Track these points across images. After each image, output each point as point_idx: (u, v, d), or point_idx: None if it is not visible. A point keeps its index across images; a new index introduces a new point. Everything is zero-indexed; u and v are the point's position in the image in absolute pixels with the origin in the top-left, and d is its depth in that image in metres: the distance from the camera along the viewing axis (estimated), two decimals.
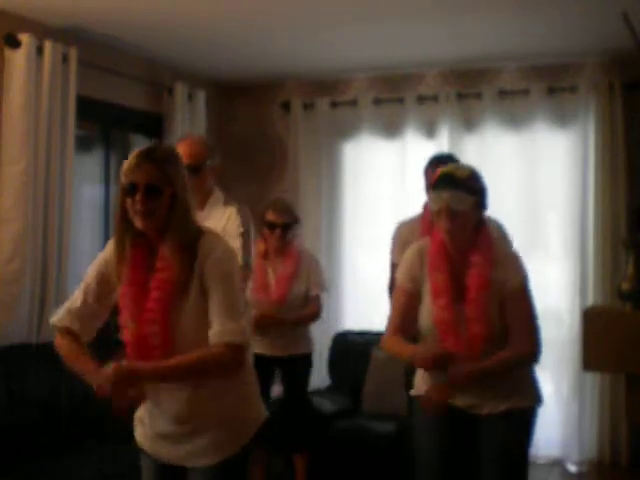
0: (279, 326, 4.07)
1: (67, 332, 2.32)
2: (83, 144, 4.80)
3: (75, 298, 2.33)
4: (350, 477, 4.52)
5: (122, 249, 2.25)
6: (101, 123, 4.97)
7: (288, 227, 4.13)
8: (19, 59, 3.99)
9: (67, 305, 2.34)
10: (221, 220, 3.36)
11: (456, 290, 2.69)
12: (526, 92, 5.09)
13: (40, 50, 4.07)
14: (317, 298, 4.21)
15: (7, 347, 3.86)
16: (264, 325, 3.99)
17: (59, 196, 4.17)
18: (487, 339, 2.66)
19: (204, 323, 2.19)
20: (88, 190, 5.00)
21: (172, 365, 2.15)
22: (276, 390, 4.38)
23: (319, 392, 5.01)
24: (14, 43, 4.00)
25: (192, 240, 2.21)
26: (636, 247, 3.37)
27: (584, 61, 5.05)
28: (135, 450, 2.43)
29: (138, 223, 2.18)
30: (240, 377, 2.31)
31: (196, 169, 3.22)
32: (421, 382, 2.84)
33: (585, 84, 4.98)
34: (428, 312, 2.74)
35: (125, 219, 2.21)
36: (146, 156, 2.19)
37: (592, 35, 4.52)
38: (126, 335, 2.24)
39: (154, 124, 5.17)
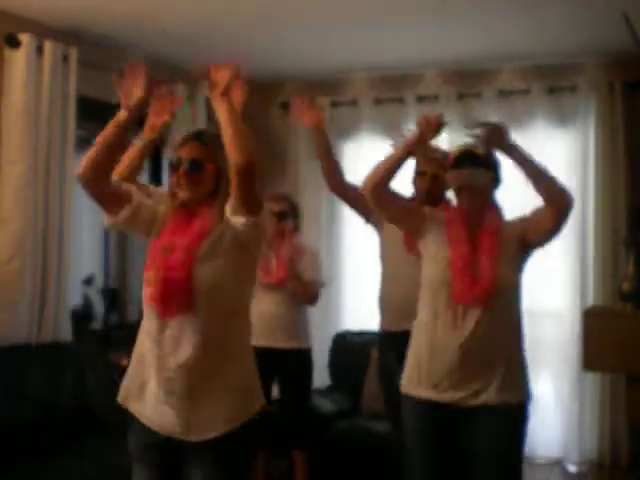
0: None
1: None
2: (83, 144, 4.79)
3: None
4: (350, 477, 4.51)
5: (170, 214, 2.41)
6: (101, 123, 4.95)
7: (284, 215, 4.15)
8: (19, 59, 3.99)
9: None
10: None
11: (472, 246, 2.78)
12: (526, 92, 5.09)
13: (40, 50, 4.07)
14: (314, 283, 4.19)
15: (7, 347, 3.86)
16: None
17: (59, 196, 4.17)
18: (497, 287, 2.70)
19: (225, 273, 2.31)
20: None
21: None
22: (275, 391, 4.36)
23: (319, 392, 5.00)
24: (14, 43, 4.00)
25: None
26: (636, 247, 3.38)
27: (584, 61, 5.05)
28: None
29: (181, 194, 2.36)
30: (242, 352, 2.39)
31: None
32: (414, 377, 2.83)
33: (585, 84, 4.98)
34: (438, 261, 2.79)
35: (174, 194, 2.39)
36: (192, 136, 2.42)
37: (592, 35, 4.52)
38: (149, 280, 2.34)
39: None
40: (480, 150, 2.80)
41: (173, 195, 2.39)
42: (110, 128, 2.34)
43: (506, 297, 2.74)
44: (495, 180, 2.85)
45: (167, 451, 2.36)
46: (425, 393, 2.78)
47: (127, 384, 2.43)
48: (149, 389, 2.36)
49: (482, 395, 2.71)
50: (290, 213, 4.21)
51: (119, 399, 2.43)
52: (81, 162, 2.31)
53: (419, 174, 3.70)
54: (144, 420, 2.38)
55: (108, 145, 2.31)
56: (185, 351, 2.29)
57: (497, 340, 2.72)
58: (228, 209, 2.33)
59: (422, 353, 2.82)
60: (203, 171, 2.35)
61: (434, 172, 3.61)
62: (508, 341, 2.75)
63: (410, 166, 3.84)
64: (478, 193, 2.79)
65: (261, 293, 4.01)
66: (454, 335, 2.72)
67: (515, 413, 2.75)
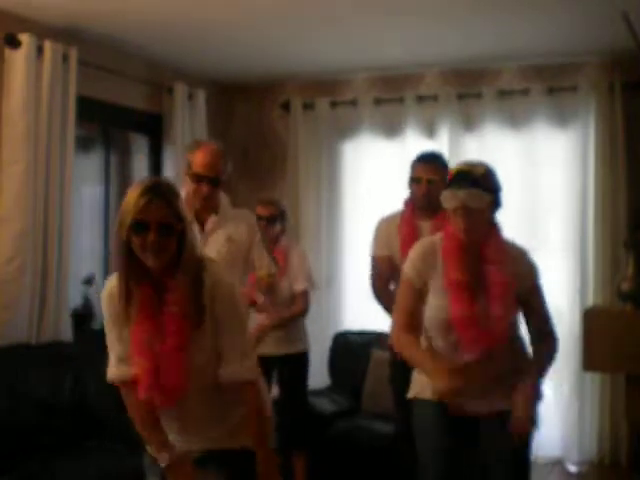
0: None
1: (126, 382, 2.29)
2: (83, 144, 4.80)
3: (112, 346, 2.30)
4: (350, 477, 4.51)
5: (127, 288, 2.19)
6: (101, 123, 4.97)
7: (273, 219, 4.17)
8: (19, 59, 3.99)
9: (112, 357, 2.31)
10: (239, 224, 3.34)
11: (474, 286, 2.69)
12: (526, 92, 5.09)
13: (40, 50, 4.07)
14: (304, 294, 4.21)
15: (7, 347, 3.86)
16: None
17: (59, 196, 4.17)
18: (508, 334, 2.71)
19: (216, 356, 2.23)
20: (88, 190, 5.00)
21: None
22: (274, 391, 4.37)
23: (319, 392, 5.00)
24: (14, 43, 4.00)
25: (199, 271, 2.21)
26: (636, 247, 3.38)
27: (584, 61, 5.04)
28: (135, 450, 2.43)
29: (150, 261, 2.13)
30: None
31: (216, 181, 3.20)
32: (424, 380, 2.81)
33: (585, 84, 4.98)
34: (437, 309, 2.72)
35: (130, 257, 2.15)
36: (155, 193, 2.13)
37: (592, 35, 4.52)
38: (139, 372, 2.21)
39: (154, 124, 5.17)
40: (479, 170, 2.70)
41: (127, 258, 2.16)
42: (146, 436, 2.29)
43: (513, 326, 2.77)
44: (494, 203, 2.74)
45: None
46: (435, 395, 2.75)
47: None
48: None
49: (486, 405, 2.73)
50: (278, 217, 4.21)
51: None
52: (124, 396, 2.30)
53: (414, 180, 3.71)
54: None
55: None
56: (189, 425, 2.29)
57: (501, 355, 2.72)
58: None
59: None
60: (173, 234, 2.14)
61: (429, 177, 3.62)
62: (512, 354, 2.76)
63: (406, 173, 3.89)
64: (475, 215, 2.65)
65: (252, 310, 4.03)
66: (457, 359, 2.71)
67: None
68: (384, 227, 3.85)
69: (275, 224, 4.19)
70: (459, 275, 2.68)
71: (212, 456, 2.30)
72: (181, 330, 2.17)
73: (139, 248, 2.12)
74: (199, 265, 2.22)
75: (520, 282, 2.72)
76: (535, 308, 2.78)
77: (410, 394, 2.88)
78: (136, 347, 2.20)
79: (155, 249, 2.11)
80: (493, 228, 2.77)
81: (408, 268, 2.80)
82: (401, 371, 3.76)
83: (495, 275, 2.68)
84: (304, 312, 4.25)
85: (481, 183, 2.66)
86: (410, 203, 3.78)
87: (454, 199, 2.66)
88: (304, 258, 4.31)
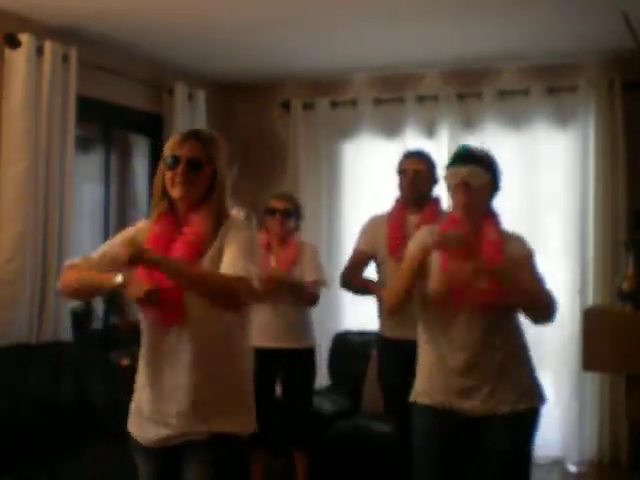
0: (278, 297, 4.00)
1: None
2: (83, 144, 4.80)
3: (94, 253, 2.42)
4: (350, 477, 4.51)
5: (155, 216, 2.38)
6: (101, 123, 4.97)
7: (288, 213, 4.13)
8: (19, 59, 3.99)
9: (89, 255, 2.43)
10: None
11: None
12: (526, 92, 5.09)
13: (40, 50, 4.07)
14: (315, 284, 4.16)
15: (7, 347, 3.86)
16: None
17: (59, 196, 4.17)
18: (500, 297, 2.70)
19: None
20: (88, 190, 5.00)
21: (190, 268, 2.23)
22: (278, 389, 4.35)
23: (319, 392, 5.00)
24: (14, 43, 4.00)
25: (221, 219, 2.34)
26: (636, 247, 3.37)
27: (584, 61, 5.04)
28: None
29: (176, 192, 2.30)
30: (240, 360, 2.38)
31: None
32: (425, 384, 2.81)
33: (585, 84, 4.98)
34: (439, 274, 2.74)
35: (163, 193, 2.35)
36: (191, 134, 2.36)
37: (592, 35, 4.52)
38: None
39: (154, 124, 5.17)
40: (480, 150, 2.81)
41: (160, 197, 2.36)
42: (94, 285, 2.30)
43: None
44: (493, 185, 2.81)
45: (164, 450, 2.36)
46: (436, 399, 2.77)
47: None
48: (149, 403, 2.36)
49: (487, 409, 2.72)
50: (293, 213, 4.18)
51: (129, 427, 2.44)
52: (61, 277, 2.37)
53: (401, 173, 3.80)
54: (140, 436, 2.40)
55: (86, 293, 2.38)
56: (182, 375, 2.29)
57: (501, 348, 2.73)
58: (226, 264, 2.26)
59: (432, 367, 2.80)
60: (201, 171, 2.31)
61: (415, 168, 3.73)
62: (512, 348, 2.77)
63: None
64: (474, 193, 2.72)
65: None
66: (459, 346, 2.72)
67: (524, 420, 2.78)
68: (372, 224, 3.92)
69: (290, 219, 4.15)
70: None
71: (190, 447, 2.30)
72: (189, 257, 2.27)
73: (170, 182, 2.31)
74: (223, 212, 2.36)
75: (510, 258, 2.76)
76: (530, 273, 2.80)
77: (412, 397, 2.87)
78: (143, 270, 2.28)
79: (182, 180, 2.28)
80: (491, 215, 2.84)
81: (412, 245, 2.86)
82: (388, 374, 3.79)
83: (487, 246, 2.73)
84: (315, 299, 4.16)
85: (481, 161, 2.75)
86: (400, 199, 3.86)
87: (456, 175, 2.73)
88: (316, 255, 4.28)
